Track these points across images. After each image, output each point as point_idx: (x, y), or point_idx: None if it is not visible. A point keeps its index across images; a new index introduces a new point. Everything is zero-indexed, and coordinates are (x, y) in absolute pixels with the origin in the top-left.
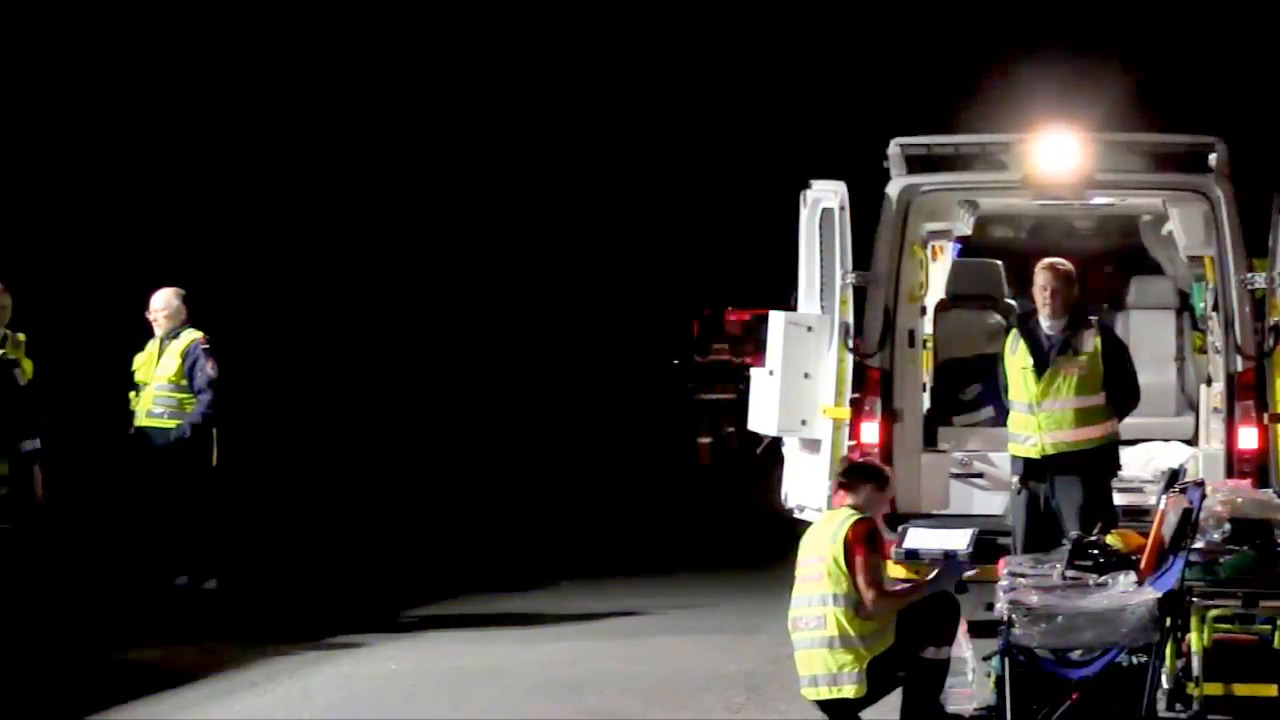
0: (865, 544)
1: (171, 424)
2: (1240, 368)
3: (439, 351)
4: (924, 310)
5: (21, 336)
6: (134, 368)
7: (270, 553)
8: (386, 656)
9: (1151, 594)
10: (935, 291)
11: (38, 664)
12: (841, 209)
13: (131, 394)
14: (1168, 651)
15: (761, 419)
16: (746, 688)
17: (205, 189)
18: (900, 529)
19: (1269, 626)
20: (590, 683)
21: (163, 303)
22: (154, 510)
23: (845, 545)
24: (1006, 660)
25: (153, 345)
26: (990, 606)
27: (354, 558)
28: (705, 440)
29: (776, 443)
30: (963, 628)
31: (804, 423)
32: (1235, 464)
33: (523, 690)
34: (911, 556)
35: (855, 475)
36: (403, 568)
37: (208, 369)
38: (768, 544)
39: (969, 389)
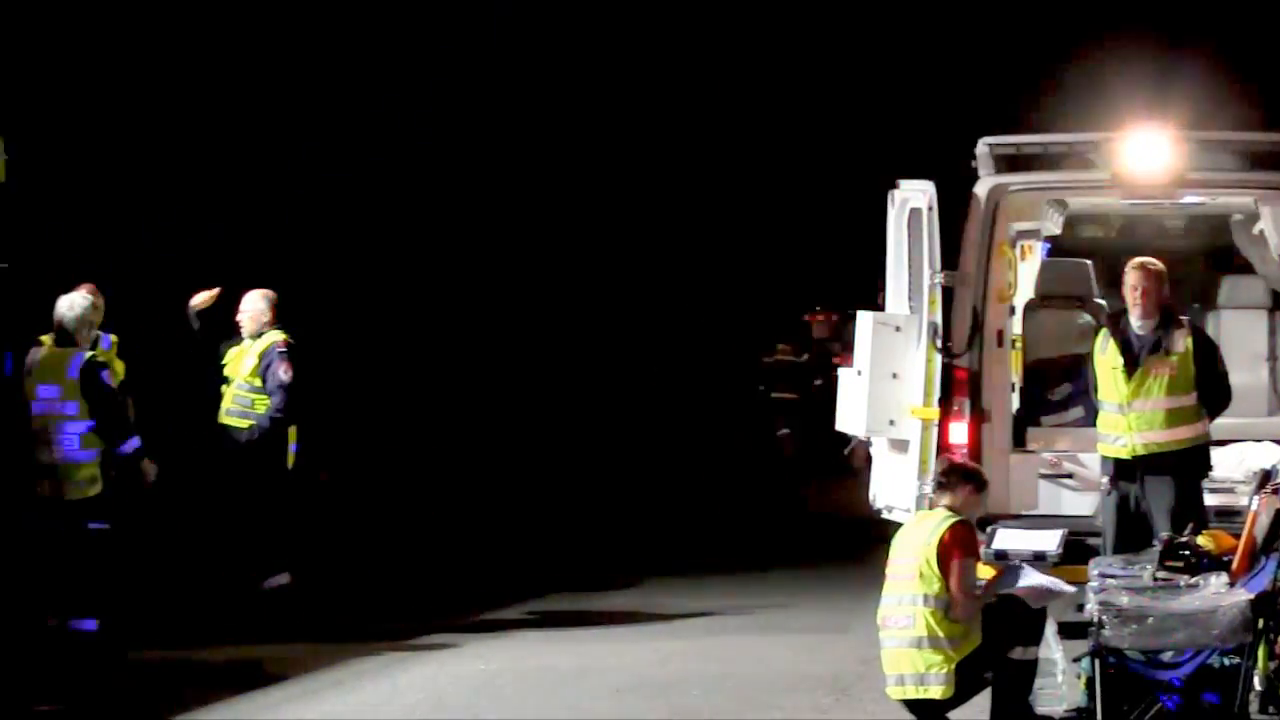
0: (961, 547)
1: (244, 423)
2: None
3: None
4: (1013, 310)
5: (114, 338)
6: (225, 363)
7: (356, 552)
8: (475, 655)
9: (1244, 595)
10: (1024, 291)
11: (124, 663)
12: (930, 209)
13: (223, 389)
14: (1260, 653)
15: (850, 419)
16: (834, 688)
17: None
18: (989, 530)
19: None
20: (678, 682)
21: (250, 304)
22: (230, 509)
23: (940, 547)
24: (1096, 662)
25: (245, 344)
26: (1080, 608)
27: (441, 556)
28: (785, 432)
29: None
30: (1053, 628)
31: (892, 423)
32: None
33: (611, 690)
34: (1000, 557)
35: (955, 476)
36: (490, 566)
37: (280, 372)
38: (853, 543)
39: (1058, 389)
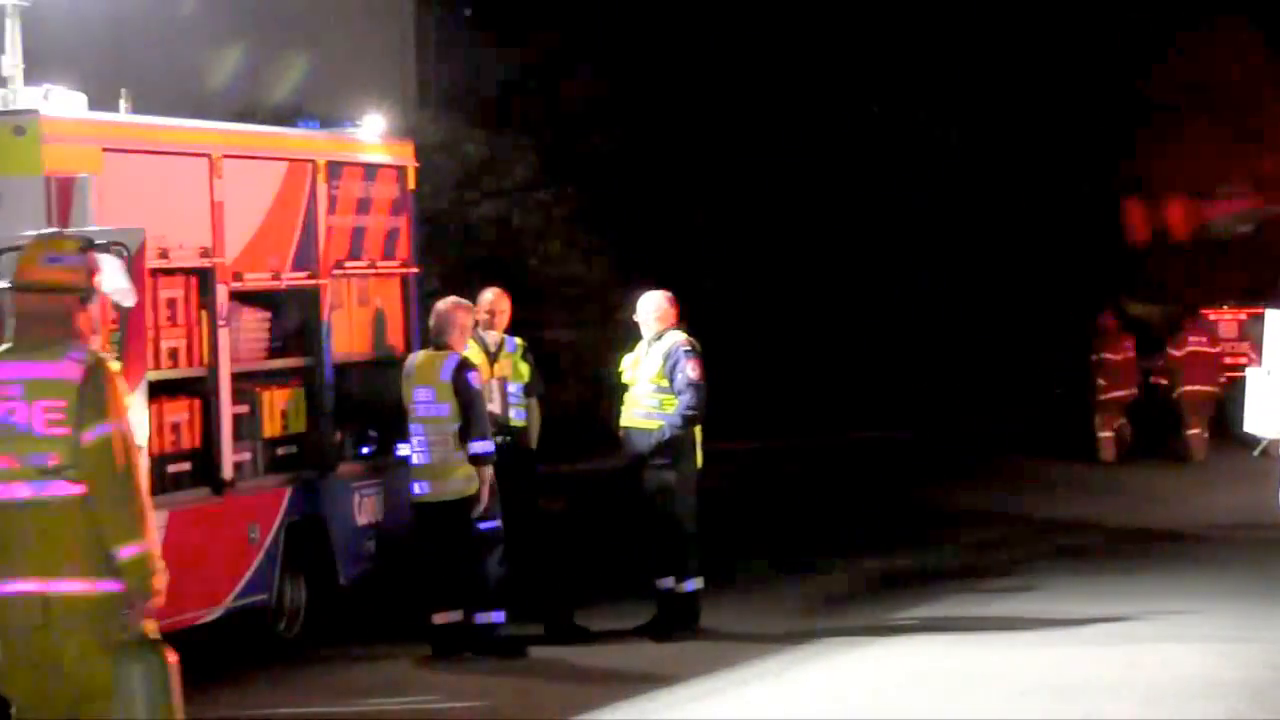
0: None
1: (653, 425)
2: None
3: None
4: None
5: (520, 341)
6: (620, 369)
7: (751, 552)
8: (874, 657)
9: None
10: None
11: (527, 662)
12: None
13: (625, 395)
14: None
15: (1260, 420)
16: (1249, 693)
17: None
18: None
19: None
20: (1081, 687)
21: (650, 305)
22: (638, 511)
23: None
24: None
25: (641, 346)
26: None
27: (838, 554)
28: (1107, 434)
29: None
30: None
31: None
32: None
33: (1013, 694)
34: None
35: None
36: (886, 567)
37: (687, 370)
38: (1260, 549)
39: None
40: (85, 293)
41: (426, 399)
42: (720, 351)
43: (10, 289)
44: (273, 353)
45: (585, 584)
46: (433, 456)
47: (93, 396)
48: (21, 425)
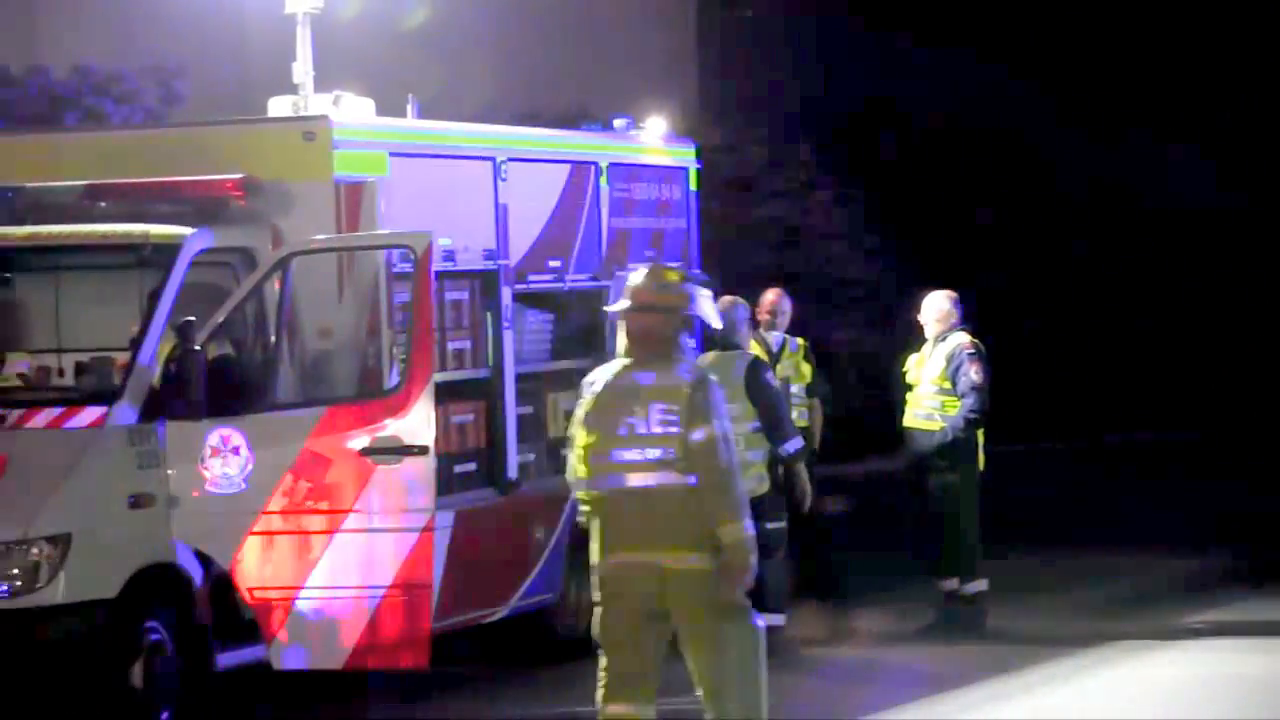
0: None
1: (935, 426)
2: None
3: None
4: None
5: (802, 341)
6: (904, 370)
7: (1042, 553)
8: (1166, 661)
9: None
10: None
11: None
12: None
13: (908, 395)
14: None
15: None
16: None
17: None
18: None
19: None
20: None
21: (934, 305)
22: (920, 512)
23: None
24: None
25: (925, 347)
26: None
27: (1126, 556)
28: None
29: None
30: None
31: None
32: None
33: None
34: None
35: None
36: (1179, 569)
37: (971, 373)
38: None
39: None
40: (685, 316)
41: None
42: (1004, 353)
43: (626, 310)
44: (556, 354)
45: (868, 586)
46: None
47: (700, 403)
48: (641, 426)
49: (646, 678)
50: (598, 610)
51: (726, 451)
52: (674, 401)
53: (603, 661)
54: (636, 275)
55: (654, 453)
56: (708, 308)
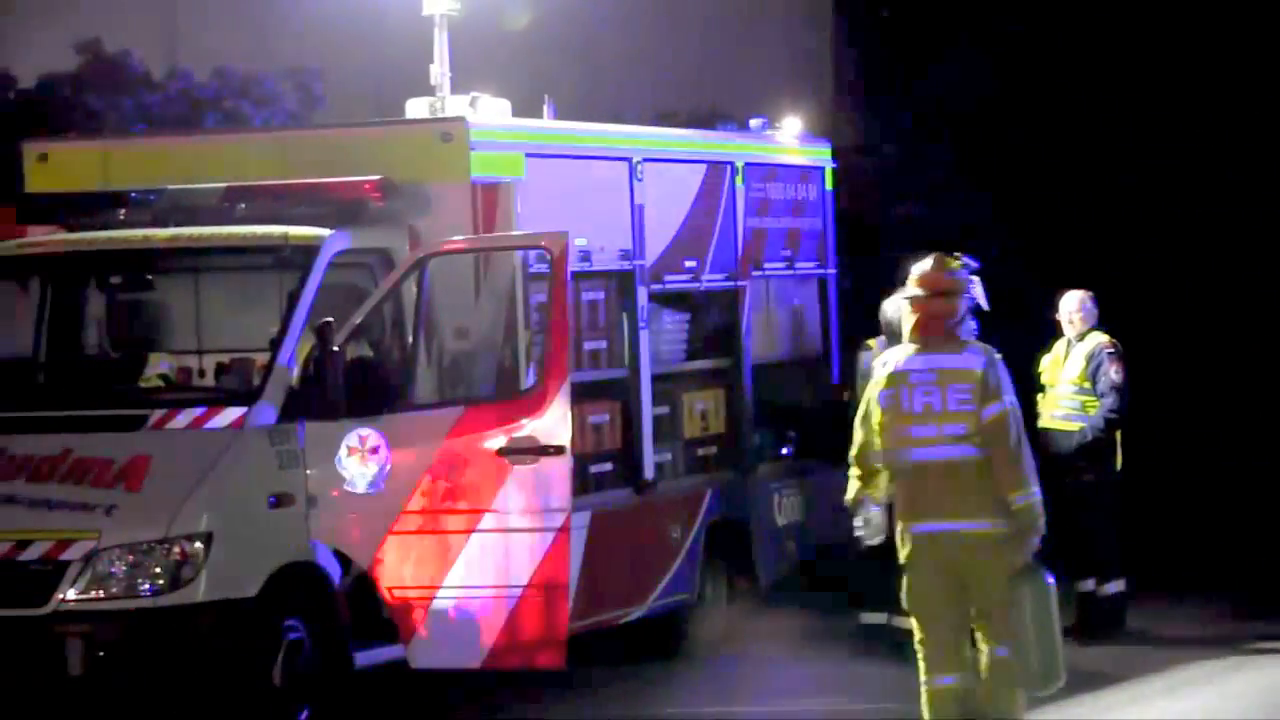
0: None
1: (1074, 427)
2: None
3: None
4: None
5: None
6: (1040, 369)
7: (1182, 554)
8: None
9: None
10: None
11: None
12: None
13: (1038, 395)
14: None
15: None
16: None
17: None
18: None
19: None
20: None
21: (1072, 304)
22: (1058, 513)
23: None
24: None
25: (1060, 347)
26: None
27: (1267, 558)
28: None
29: None
30: None
31: None
32: None
33: None
34: None
35: None
36: None
37: (1111, 373)
38: None
39: None
40: (967, 300)
41: None
42: (1141, 353)
43: (917, 297)
44: (692, 354)
45: None
46: None
47: (992, 382)
48: (938, 404)
49: (962, 646)
50: (906, 578)
51: (1016, 425)
52: (968, 381)
53: (918, 634)
54: (923, 264)
55: (952, 429)
56: (979, 293)
